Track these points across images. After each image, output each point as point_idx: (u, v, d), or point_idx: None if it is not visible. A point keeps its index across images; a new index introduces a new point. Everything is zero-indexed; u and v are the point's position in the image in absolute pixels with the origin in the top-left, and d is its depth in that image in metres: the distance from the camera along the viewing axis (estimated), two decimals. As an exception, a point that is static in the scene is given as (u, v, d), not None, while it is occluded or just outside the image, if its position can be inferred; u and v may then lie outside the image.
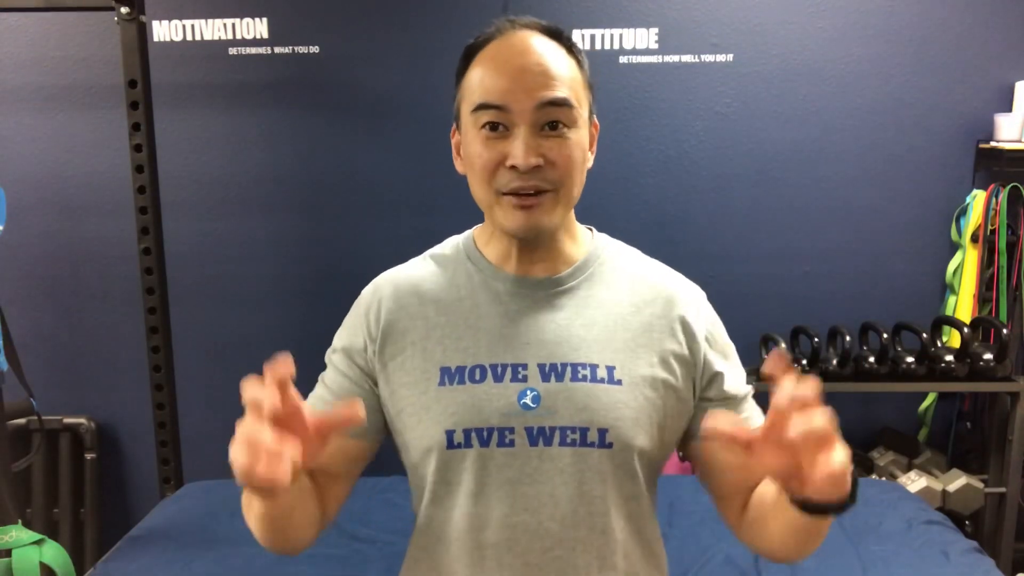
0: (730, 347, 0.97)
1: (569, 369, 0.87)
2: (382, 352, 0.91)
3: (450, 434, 0.86)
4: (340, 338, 0.96)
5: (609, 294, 0.92)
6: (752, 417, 0.95)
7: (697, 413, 0.92)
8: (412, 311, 0.92)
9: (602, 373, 0.87)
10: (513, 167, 0.82)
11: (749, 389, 0.97)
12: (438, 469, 0.88)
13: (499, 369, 0.87)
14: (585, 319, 0.90)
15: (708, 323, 0.94)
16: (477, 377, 0.87)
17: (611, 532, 0.88)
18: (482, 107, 0.83)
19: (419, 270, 0.96)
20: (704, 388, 0.92)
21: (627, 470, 0.88)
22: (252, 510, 0.83)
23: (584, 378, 0.86)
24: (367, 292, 0.96)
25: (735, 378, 0.95)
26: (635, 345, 0.89)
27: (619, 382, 0.87)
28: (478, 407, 0.86)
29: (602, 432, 0.85)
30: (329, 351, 0.97)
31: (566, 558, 0.86)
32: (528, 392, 0.86)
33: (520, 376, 0.87)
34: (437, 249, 0.99)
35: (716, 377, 0.92)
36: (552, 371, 0.87)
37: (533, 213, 0.84)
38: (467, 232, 0.99)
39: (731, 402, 0.93)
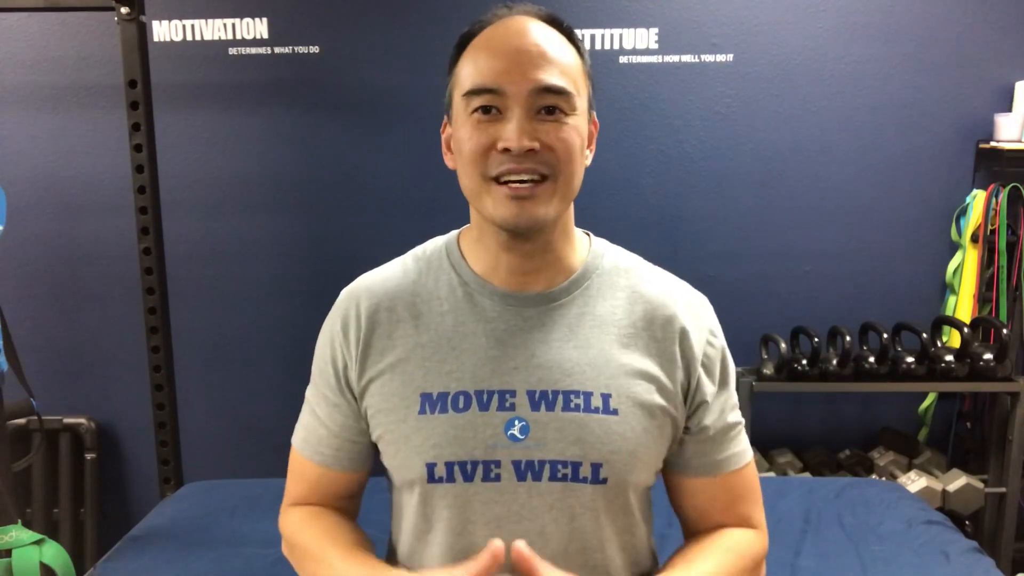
0: (729, 369, 0.89)
1: (561, 397, 0.80)
2: (361, 374, 0.85)
3: (431, 467, 0.80)
4: (320, 358, 0.90)
5: (606, 311, 0.85)
6: (737, 455, 0.88)
7: (682, 439, 0.87)
8: (390, 328, 0.84)
9: (596, 402, 0.80)
10: (506, 150, 0.75)
11: (737, 421, 0.90)
12: (419, 504, 0.83)
13: (485, 396, 0.80)
14: (579, 340, 0.83)
15: (707, 341, 0.86)
16: (461, 405, 0.80)
17: (604, 568, 0.83)
18: (474, 91, 0.77)
19: (398, 278, 0.88)
20: (689, 416, 0.86)
21: (621, 504, 0.83)
22: None
23: (577, 407, 0.80)
24: (342, 303, 0.89)
25: (723, 408, 0.87)
26: (632, 370, 0.82)
27: (615, 412, 0.80)
28: (461, 438, 0.79)
29: (596, 467, 0.80)
30: (313, 370, 0.91)
31: None
32: (516, 422, 0.79)
33: (508, 404, 0.80)
34: (419, 252, 0.91)
35: (702, 406, 0.86)
36: (542, 399, 0.80)
37: (527, 205, 0.76)
38: (451, 235, 0.91)
39: (710, 436, 0.86)
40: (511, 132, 0.75)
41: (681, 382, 0.84)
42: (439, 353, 0.83)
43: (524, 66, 0.76)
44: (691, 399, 0.86)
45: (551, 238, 0.83)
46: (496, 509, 0.80)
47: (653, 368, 0.83)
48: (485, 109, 0.77)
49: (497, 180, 0.77)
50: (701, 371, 0.85)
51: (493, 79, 0.76)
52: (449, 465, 0.80)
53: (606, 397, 0.81)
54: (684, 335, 0.85)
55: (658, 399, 0.83)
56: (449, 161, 0.86)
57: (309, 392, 0.92)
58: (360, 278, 0.91)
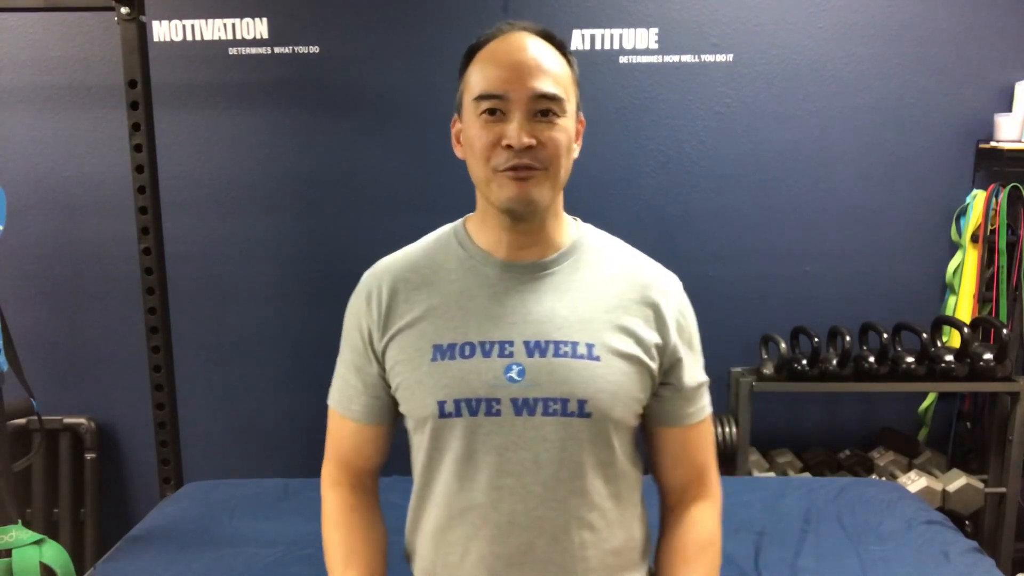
0: (695, 337, 1.06)
1: (552, 346, 0.96)
2: (383, 334, 1.01)
3: (442, 404, 0.96)
4: (348, 328, 1.06)
5: (590, 278, 1.01)
6: (701, 409, 1.05)
7: (657, 393, 1.02)
8: (408, 295, 1.01)
9: (582, 350, 0.96)
10: (508, 146, 0.92)
11: (704, 380, 1.07)
12: (431, 436, 0.98)
13: (487, 346, 0.96)
14: (568, 301, 0.99)
15: (679, 311, 1.03)
16: (467, 353, 0.96)
17: (589, 494, 0.97)
18: (483, 96, 0.93)
19: (413, 257, 1.05)
20: (665, 373, 1.02)
21: (603, 438, 0.98)
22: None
23: (566, 354, 0.95)
24: (367, 280, 1.06)
25: (693, 369, 1.04)
26: (612, 325, 0.98)
27: (597, 358, 0.96)
28: (467, 380, 0.95)
29: (581, 403, 0.95)
30: (342, 342, 1.07)
31: (547, 517, 0.96)
32: (514, 367, 0.95)
33: (507, 352, 0.96)
34: (429, 236, 1.09)
35: (677, 364, 1.02)
36: (536, 348, 0.96)
37: (525, 186, 0.93)
38: (459, 220, 1.08)
39: (683, 392, 1.03)
40: (513, 131, 0.92)
41: (656, 342, 1.00)
42: (448, 312, 0.99)
43: (524, 76, 0.92)
44: (667, 357, 1.01)
45: (544, 219, 1.00)
46: (497, 439, 0.95)
47: (630, 325, 0.99)
48: (491, 111, 0.93)
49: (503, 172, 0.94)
50: (675, 335, 1.01)
51: (499, 86, 0.92)
52: (457, 402, 0.95)
53: (590, 346, 0.96)
54: (657, 302, 1.01)
55: (635, 350, 0.98)
56: (458, 152, 1.02)
57: (339, 361, 1.08)
58: (379, 261, 1.07)
